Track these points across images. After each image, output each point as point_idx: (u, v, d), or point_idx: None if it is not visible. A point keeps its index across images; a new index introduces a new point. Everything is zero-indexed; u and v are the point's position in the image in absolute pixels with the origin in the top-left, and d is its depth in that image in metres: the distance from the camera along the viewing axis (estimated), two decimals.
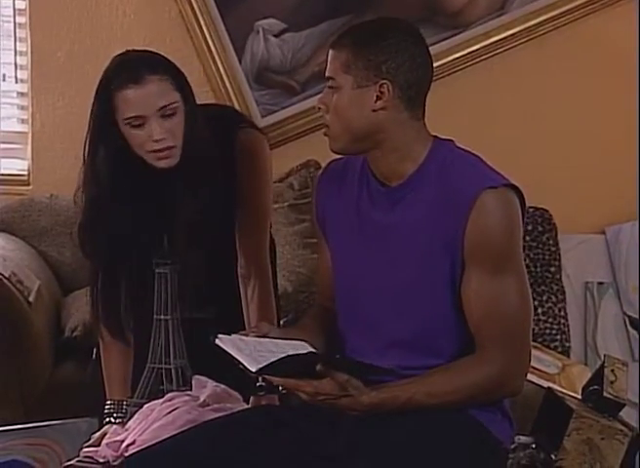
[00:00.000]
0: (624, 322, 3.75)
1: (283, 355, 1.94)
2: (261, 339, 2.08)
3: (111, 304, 2.52)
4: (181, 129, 2.40)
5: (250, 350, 2.00)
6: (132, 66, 2.38)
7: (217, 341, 2.05)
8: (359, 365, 2.03)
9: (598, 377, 2.69)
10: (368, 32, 2.10)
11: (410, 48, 2.09)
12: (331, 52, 2.12)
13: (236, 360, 1.98)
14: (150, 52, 2.46)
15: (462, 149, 2.17)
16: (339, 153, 2.18)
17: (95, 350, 3.09)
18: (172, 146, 2.39)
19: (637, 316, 3.73)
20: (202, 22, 3.83)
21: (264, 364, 1.94)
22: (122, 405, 2.53)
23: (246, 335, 2.11)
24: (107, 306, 2.52)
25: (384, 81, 2.07)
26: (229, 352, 2.00)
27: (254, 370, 1.94)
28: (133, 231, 2.45)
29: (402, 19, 2.19)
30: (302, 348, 2.03)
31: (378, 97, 2.08)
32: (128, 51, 2.46)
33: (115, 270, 2.51)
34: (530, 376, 2.18)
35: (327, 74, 2.12)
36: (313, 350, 2.02)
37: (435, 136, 2.17)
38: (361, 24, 2.17)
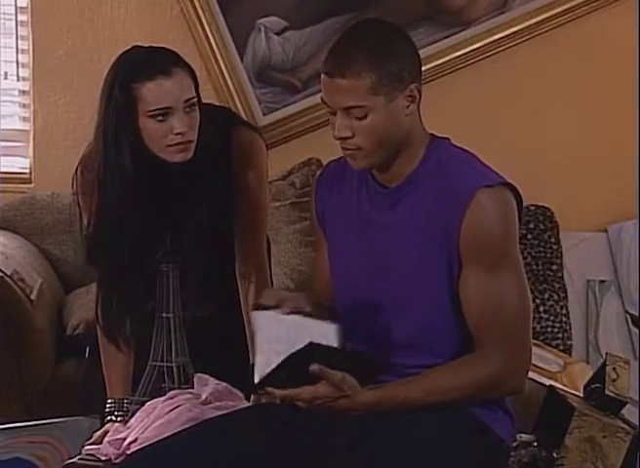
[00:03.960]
0: (626, 320, 3.76)
1: (283, 357, 1.95)
2: (297, 318, 2.06)
3: (115, 311, 2.51)
4: (197, 124, 2.40)
5: (279, 339, 2.01)
6: (158, 58, 2.37)
7: (253, 316, 2.05)
8: (362, 356, 2.03)
9: (600, 375, 2.69)
10: (374, 48, 2.04)
11: (408, 44, 2.10)
12: (343, 82, 2.02)
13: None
14: (163, 47, 2.44)
15: (458, 147, 2.17)
16: (366, 168, 2.13)
17: (88, 349, 3.10)
18: (191, 140, 2.38)
19: (639, 314, 3.73)
20: (204, 20, 3.83)
21: (265, 374, 1.96)
22: (123, 403, 2.53)
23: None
24: (110, 312, 2.51)
25: (410, 85, 2.06)
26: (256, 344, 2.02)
27: (255, 381, 1.98)
28: (141, 231, 2.45)
29: (378, 19, 2.17)
30: (327, 333, 2.02)
31: (409, 102, 2.07)
32: (136, 46, 2.44)
33: (122, 273, 2.49)
34: (531, 374, 2.18)
35: (347, 104, 2.03)
36: (315, 342, 2.01)
37: (432, 134, 2.17)
38: (354, 43, 2.06)
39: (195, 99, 2.39)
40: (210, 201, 2.46)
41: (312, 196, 2.32)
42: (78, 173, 2.52)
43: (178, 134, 2.35)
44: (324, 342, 1.97)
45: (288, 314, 2.07)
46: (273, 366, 1.95)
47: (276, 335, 2.04)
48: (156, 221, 2.45)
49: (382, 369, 2.04)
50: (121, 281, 2.49)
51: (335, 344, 2.00)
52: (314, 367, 1.96)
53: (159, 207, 2.45)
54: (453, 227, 2.06)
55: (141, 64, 2.36)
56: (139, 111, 2.35)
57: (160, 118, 2.35)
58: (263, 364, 2.00)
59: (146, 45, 2.46)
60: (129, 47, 2.46)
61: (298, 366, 1.96)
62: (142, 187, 2.41)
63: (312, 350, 1.95)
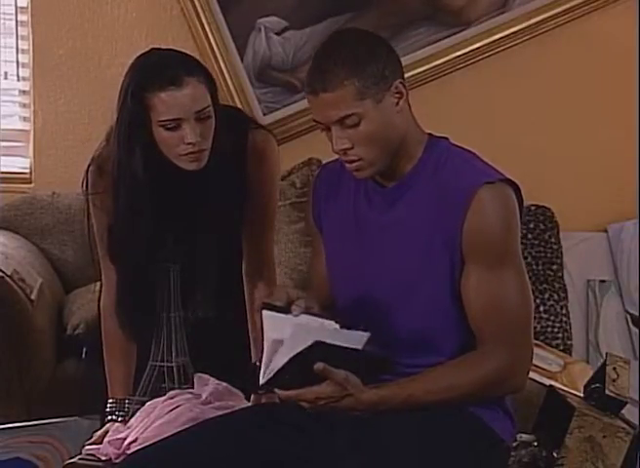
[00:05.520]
0: (626, 320, 3.76)
1: (287, 357, 1.94)
2: (301, 320, 2.03)
3: (136, 309, 2.51)
4: (212, 132, 2.38)
5: (287, 341, 1.98)
6: (170, 67, 2.33)
7: (264, 315, 2.02)
8: (367, 354, 2.02)
9: (600, 375, 2.69)
10: (349, 56, 2.04)
11: (382, 44, 2.09)
12: (329, 95, 2.03)
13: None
14: (180, 52, 2.42)
15: (458, 146, 2.17)
16: (370, 177, 2.14)
17: (85, 349, 3.10)
18: (203, 149, 2.37)
19: (639, 314, 3.73)
20: (204, 20, 3.83)
21: (269, 376, 1.96)
22: (124, 403, 2.53)
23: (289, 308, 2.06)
24: (130, 310, 2.51)
25: (394, 82, 2.06)
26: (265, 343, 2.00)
27: (260, 383, 1.97)
28: (154, 231, 2.44)
29: (348, 28, 2.17)
30: (330, 333, 2.00)
31: (397, 99, 2.07)
32: (153, 49, 2.41)
33: (137, 272, 2.49)
34: (532, 374, 2.17)
35: (338, 116, 2.04)
36: (321, 340, 2.00)
37: (430, 134, 2.17)
38: (329, 56, 2.06)
39: (209, 109, 2.36)
40: (220, 203, 2.45)
41: (310, 199, 2.32)
42: (90, 172, 2.50)
43: (189, 143, 2.35)
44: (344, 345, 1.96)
45: (298, 315, 2.04)
46: (279, 366, 1.95)
47: (283, 336, 2.02)
48: (167, 222, 2.45)
49: (387, 367, 2.04)
50: (137, 280, 2.48)
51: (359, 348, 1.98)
52: (318, 365, 1.96)
53: (170, 208, 2.44)
54: (455, 226, 2.06)
55: (154, 73, 2.33)
56: (152, 119, 2.35)
57: (171, 128, 2.33)
58: (268, 363, 1.99)
59: (165, 47, 2.43)
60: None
61: (302, 365, 1.96)
62: (154, 190, 2.40)
63: (316, 349, 1.95)
